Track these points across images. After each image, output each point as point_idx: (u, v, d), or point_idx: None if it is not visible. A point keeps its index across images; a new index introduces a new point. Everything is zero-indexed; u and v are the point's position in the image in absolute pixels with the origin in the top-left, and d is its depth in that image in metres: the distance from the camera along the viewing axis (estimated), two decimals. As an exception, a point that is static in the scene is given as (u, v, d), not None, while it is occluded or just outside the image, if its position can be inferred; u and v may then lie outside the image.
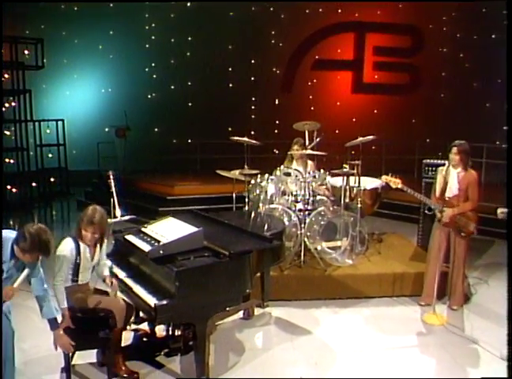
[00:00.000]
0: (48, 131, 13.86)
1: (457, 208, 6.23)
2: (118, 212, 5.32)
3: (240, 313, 6.14)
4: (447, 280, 6.62)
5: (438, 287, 6.27)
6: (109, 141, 13.84)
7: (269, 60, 15.58)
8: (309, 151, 7.30)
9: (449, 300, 6.59)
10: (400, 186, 6.32)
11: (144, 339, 5.53)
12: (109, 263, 5.11)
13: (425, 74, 15.55)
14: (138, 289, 4.69)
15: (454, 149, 6.25)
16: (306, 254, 7.11)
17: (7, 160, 12.75)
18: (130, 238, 5.09)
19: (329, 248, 7.19)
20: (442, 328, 6.07)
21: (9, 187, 12.62)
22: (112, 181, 5.46)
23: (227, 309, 4.81)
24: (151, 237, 4.93)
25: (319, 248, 7.10)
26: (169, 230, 4.96)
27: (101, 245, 4.87)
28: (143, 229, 5.17)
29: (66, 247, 4.66)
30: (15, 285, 4.05)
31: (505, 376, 4.27)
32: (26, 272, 4.11)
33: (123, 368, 4.84)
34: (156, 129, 15.49)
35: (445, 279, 6.61)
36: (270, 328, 6.11)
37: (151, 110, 15.07)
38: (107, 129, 14.48)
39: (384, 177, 6.50)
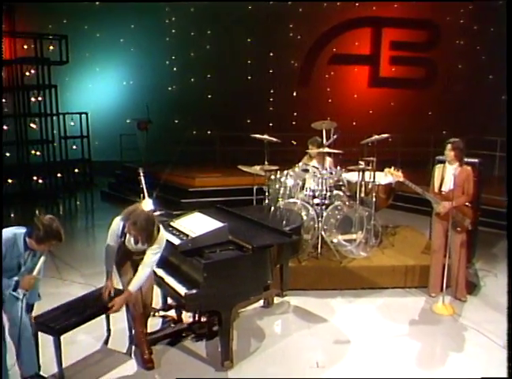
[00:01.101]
0: (72, 123, 14.31)
1: (453, 201, 6.48)
2: (148, 207, 5.70)
3: (260, 302, 6.51)
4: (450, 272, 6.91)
5: (442, 278, 6.57)
6: (131, 133, 14.26)
7: (287, 53, 15.88)
8: (326, 150, 7.65)
9: (454, 292, 6.89)
10: (401, 180, 6.66)
11: (172, 325, 5.92)
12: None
13: (441, 67, 15.73)
14: (169, 279, 5.11)
15: (449, 146, 6.59)
16: (322, 246, 7.44)
17: (33, 152, 13.27)
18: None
19: (344, 240, 7.49)
20: (450, 318, 6.38)
21: (35, 178, 13.16)
22: (142, 177, 5.83)
23: (250, 298, 5.25)
24: (179, 231, 5.32)
25: (335, 240, 7.43)
26: (196, 224, 5.34)
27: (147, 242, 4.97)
28: (172, 223, 5.57)
29: (115, 225, 5.04)
30: (34, 273, 4.44)
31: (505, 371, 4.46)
32: (43, 259, 4.51)
33: (146, 352, 5.22)
34: (176, 121, 15.88)
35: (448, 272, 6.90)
36: (289, 316, 6.48)
37: (171, 102, 15.49)
38: (128, 121, 14.88)
39: (387, 169, 6.81)
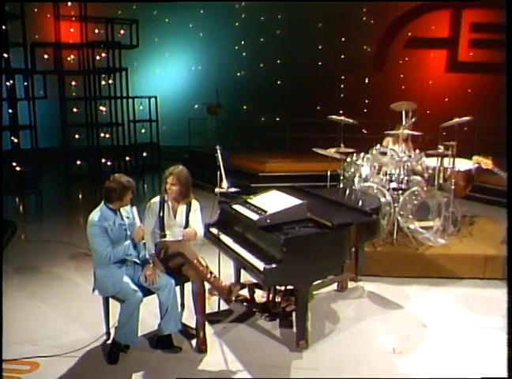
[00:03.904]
0: (141, 107, 14.63)
1: None
2: (224, 184, 5.82)
3: (334, 286, 6.56)
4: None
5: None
6: (200, 118, 14.47)
7: (359, 38, 15.63)
8: (406, 132, 7.58)
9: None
10: (490, 167, 6.51)
11: (245, 304, 6.04)
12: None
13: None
14: (246, 254, 5.18)
15: None
16: (398, 233, 7.38)
17: (102, 135, 13.68)
18: (238, 207, 5.60)
19: (421, 227, 7.44)
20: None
21: (103, 160, 13.56)
22: (219, 155, 5.96)
23: (327, 277, 5.27)
24: (257, 207, 5.39)
25: (412, 227, 7.38)
26: (274, 201, 5.41)
27: (188, 208, 5.50)
28: (249, 200, 5.66)
29: (153, 200, 5.52)
30: (138, 224, 5.05)
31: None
32: (134, 209, 5.18)
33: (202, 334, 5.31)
34: (244, 107, 16.00)
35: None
36: (363, 300, 6.47)
37: (240, 88, 15.55)
38: (196, 106, 15.12)
39: (475, 157, 6.68)
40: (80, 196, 12.67)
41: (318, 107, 15.34)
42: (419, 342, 5.49)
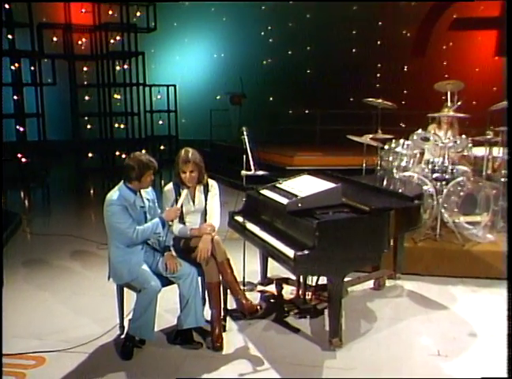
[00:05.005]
0: (159, 97, 14.64)
1: None
2: (252, 166, 5.80)
3: (370, 283, 6.46)
4: None
5: None
6: (223, 109, 14.43)
7: (398, 21, 15.53)
8: (452, 114, 7.47)
9: None
10: None
11: (272, 301, 5.98)
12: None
13: None
14: (275, 242, 5.10)
15: None
16: (441, 228, 7.24)
17: (116, 125, 13.68)
18: (266, 192, 5.56)
19: (467, 222, 7.28)
20: None
21: (117, 153, 13.56)
22: (246, 137, 5.95)
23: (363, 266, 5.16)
24: (287, 191, 5.34)
25: (457, 221, 7.24)
26: (306, 185, 5.34)
27: (206, 192, 5.42)
28: (278, 185, 5.61)
29: (167, 187, 5.38)
30: (178, 205, 5.08)
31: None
32: (185, 192, 5.19)
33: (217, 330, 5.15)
34: (270, 98, 15.93)
35: None
36: (402, 300, 6.34)
37: (266, 77, 15.54)
38: (218, 97, 15.10)
39: None
40: (92, 191, 12.73)
41: (351, 98, 15.22)
42: (467, 345, 5.35)
